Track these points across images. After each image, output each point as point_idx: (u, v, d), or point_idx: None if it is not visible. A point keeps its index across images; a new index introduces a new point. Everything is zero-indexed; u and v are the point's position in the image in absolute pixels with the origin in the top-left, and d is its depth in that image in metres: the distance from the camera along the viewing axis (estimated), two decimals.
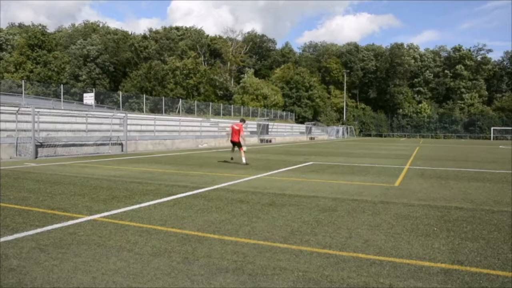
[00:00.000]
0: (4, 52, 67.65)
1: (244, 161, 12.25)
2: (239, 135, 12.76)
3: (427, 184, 8.45)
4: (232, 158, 13.39)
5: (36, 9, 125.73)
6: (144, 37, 71.24)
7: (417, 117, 77.12)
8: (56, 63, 62.59)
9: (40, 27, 69.79)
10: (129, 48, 65.69)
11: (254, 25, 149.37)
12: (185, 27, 73.94)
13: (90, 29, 67.35)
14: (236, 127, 12.85)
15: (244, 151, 12.70)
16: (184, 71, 59.50)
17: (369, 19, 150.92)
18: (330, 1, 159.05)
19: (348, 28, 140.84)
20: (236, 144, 12.85)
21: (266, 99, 58.32)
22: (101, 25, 72.46)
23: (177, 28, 73.10)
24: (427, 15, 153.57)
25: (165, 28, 73.31)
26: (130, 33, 72.68)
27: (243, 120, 13.68)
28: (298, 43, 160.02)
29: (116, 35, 65.91)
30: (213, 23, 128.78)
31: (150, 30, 73.03)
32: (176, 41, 67.84)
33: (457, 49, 79.72)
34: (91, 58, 60.82)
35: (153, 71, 58.97)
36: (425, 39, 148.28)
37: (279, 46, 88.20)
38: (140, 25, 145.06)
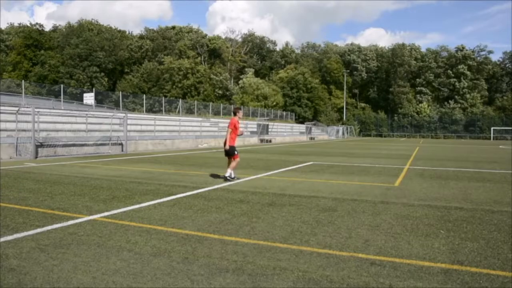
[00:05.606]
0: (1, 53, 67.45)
1: (228, 174, 8.42)
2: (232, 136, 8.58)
3: (427, 184, 8.45)
4: (231, 177, 8.54)
5: (46, 11, 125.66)
6: (141, 37, 71.17)
7: (418, 117, 77.04)
8: (53, 61, 62.32)
9: (36, 27, 69.42)
10: (126, 48, 65.55)
11: (285, 36, 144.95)
12: (179, 26, 74.05)
13: (86, 28, 67.06)
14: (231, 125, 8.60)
15: (233, 165, 8.54)
16: (181, 71, 59.30)
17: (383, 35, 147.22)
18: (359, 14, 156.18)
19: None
20: (230, 152, 8.59)
21: (267, 99, 58.30)
22: (95, 23, 72.13)
23: (173, 28, 73.08)
24: (432, 18, 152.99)
25: (161, 28, 73.32)
26: (127, 32, 72.67)
27: (237, 110, 9.01)
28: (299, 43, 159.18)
29: (111, 33, 65.81)
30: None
31: (147, 30, 73.04)
32: (174, 40, 67.76)
33: (460, 49, 79.57)
34: (86, 55, 60.50)
35: (148, 71, 58.82)
36: (429, 42, 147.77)
37: (279, 47, 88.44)
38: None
